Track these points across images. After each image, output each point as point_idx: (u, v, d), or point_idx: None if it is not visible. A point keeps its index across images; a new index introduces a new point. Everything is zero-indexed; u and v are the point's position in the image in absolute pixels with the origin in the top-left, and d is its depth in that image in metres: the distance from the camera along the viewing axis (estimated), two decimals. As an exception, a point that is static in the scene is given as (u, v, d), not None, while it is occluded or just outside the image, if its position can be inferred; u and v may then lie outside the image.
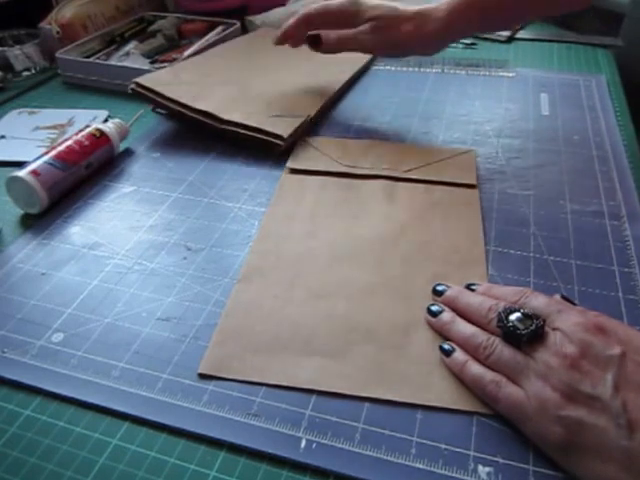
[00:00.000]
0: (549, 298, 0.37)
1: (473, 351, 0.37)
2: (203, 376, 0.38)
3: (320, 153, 0.60)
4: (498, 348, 0.35)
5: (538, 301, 0.37)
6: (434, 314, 0.41)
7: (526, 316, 0.35)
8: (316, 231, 0.50)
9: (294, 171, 0.58)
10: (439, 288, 0.43)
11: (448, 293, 0.42)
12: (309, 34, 0.63)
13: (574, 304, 0.38)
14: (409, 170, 0.57)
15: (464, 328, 0.38)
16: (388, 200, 0.53)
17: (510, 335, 0.35)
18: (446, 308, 0.41)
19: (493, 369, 0.35)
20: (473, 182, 0.55)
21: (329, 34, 0.63)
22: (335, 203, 0.53)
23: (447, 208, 0.52)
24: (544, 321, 0.35)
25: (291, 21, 0.65)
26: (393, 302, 0.43)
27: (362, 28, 0.63)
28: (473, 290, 0.42)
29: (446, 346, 0.38)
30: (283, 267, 0.46)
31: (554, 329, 0.34)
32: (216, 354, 0.39)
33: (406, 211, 0.52)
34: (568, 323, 0.34)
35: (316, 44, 0.64)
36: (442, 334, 0.40)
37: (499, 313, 0.36)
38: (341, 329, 0.41)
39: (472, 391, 0.36)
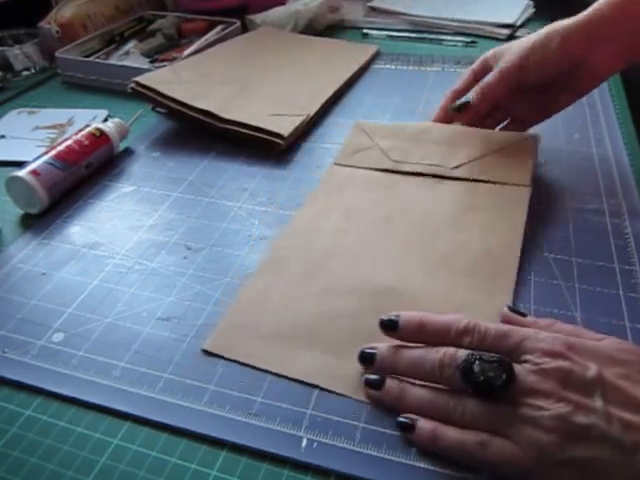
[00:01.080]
0: (497, 328, 0.33)
1: (439, 416, 0.33)
2: (207, 353, 0.39)
3: (372, 142, 0.59)
4: (469, 406, 0.32)
5: (490, 337, 0.33)
6: (376, 386, 0.35)
7: (489, 362, 0.31)
8: (348, 227, 0.49)
9: (340, 164, 0.58)
10: (367, 352, 0.36)
11: (381, 357, 0.36)
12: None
13: (524, 315, 0.37)
14: (458, 166, 0.54)
15: (419, 394, 0.34)
16: (429, 200, 0.52)
17: (482, 390, 0.31)
18: (387, 376, 0.35)
19: (469, 428, 0.32)
20: (526, 182, 0.51)
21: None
22: (373, 201, 0.52)
23: (489, 212, 0.49)
24: (510, 361, 0.31)
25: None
26: (403, 307, 0.39)
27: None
28: (394, 328, 0.36)
29: (403, 420, 0.33)
30: (305, 260, 0.46)
31: (521, 362, 0.32)
32: (223, 334, 0.40)
33: (444, 214, 0.50)
34: (535, 354, 0.31)
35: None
36: (394, 407, 0.34)
37: (461, 369, 0.32)
38: (346, 328, 0.40)
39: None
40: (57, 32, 0.83)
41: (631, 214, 0.51)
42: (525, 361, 0.32)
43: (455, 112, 0.57)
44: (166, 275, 0.46)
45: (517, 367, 0.31)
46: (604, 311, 0.41)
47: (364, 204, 0.52)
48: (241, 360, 0.38)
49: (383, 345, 0.36)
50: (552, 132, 0.63)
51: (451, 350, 0.33)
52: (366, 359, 0.36)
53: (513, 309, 0.38)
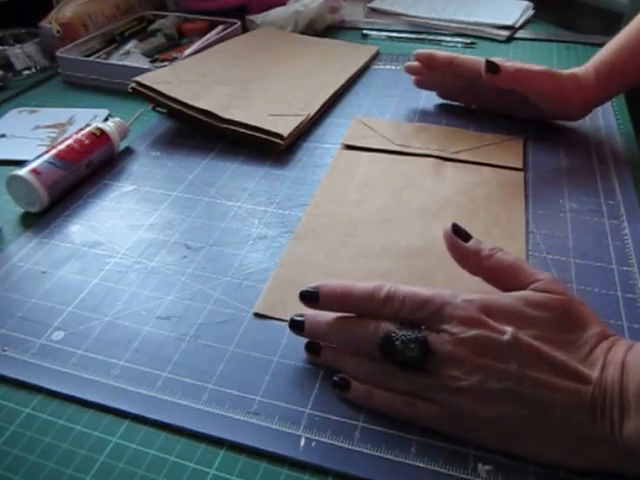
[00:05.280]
0: (414, 296, 0.34)
1: (370, 382, 0.35)
2: (258, 315, 0.42)
3: (374, 132, 0.63)
4: (395, 377, 0.34)
5: (407, 306, 0.34)
6: (314, 352, 0.37)
7: (407, 341, 0.32)
8: (367, 199, 0.53)
9: (349, 147, 0.61)
10: (295, 320, 0.38)
11: (308, 325, 0.37)
12: (487, 59, 0.58)
13: (467, 238, 0.36)
14: (458, 152, 0.59)
15: (350, 363, 0.36)
16: (436, 176, 0.56)
17: (402, 366, 0.33)
18: (322, 344, 0.37)
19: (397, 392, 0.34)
20: (519, 166, 0.57)
21: (506, 63, 0.58)
22: (386, 175, 0.57)
23: (492, 187, 0.54)
24: (425, 336, 0.32)
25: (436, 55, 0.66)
26: (434, 264, 0.45)
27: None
28: (315, 300, 0.36)
29: (339, 380, 0.36)
30: (334, 229, 0.50)
31: (439, 331, 0.33)
32: (270, 298, 0.43)
33: (452, 187, 0.55)
34: (451, 323, 0.32)
35: (492, 72, 0.58)
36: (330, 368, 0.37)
37: (380, 347, 0.33)
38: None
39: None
40: (58, 31, 0.83)
41: (629, 215, 0.51)
42: (443, 330, 0.33)
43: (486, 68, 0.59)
44: (166, 274, 0.46)
45: (434, 338, 0.32)
46: (602, 312, 0.41)
47: (377, 178, 0.56)
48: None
49: (311, 313, 0.37)
50: (551, 133, 0.63)
51: (371, 327, 0.34)
52: (295, 326, 0.38)
53: (457, 229, 0.37)
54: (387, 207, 0.52)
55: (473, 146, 0.60)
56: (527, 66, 0.58)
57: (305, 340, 0.38)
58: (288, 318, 0.39)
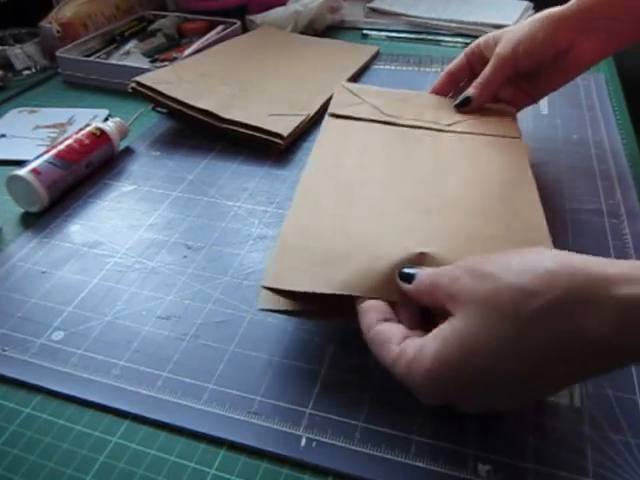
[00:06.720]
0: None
1: None
2: (268, 289, 0.37)
3: (361, 100, 0.59)
4: None
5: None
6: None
7: None
8: (367, 164, 0.49)
9: (337, 116, 0.57)
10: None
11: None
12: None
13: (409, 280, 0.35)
14: (451, 124, 0.55)
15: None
16: (435, 144, 0.52)
17: None
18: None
19: None
20: (516, 135, 0.53)
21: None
22: (383, 142, 0.53)
23: (494, 156, 0.51)
24: None
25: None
26: (458, 219, 0.42)
27: None
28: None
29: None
30: (338, 192, 0.45)
31: None
32: (278, 270, 0.38)
33: (455, 150, 0.51)
34: None
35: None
36: None
37: None
38: (406, 240, 0.39)
39: None
40: (58, 31, 0.83)
41: (629, 214, 0.51)
42: None
43: (457, 108, 0.57)
44: (166, 274, 0.46)
45: None
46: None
47: (374, 145, 0.52)
48: (306, 290, 0.36)
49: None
50: (551, 133, 0.63)
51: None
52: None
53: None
54: (390, 170, 0.48)
55: (466, 117, 0.56)
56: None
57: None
58: (301, 289, 0.36)
